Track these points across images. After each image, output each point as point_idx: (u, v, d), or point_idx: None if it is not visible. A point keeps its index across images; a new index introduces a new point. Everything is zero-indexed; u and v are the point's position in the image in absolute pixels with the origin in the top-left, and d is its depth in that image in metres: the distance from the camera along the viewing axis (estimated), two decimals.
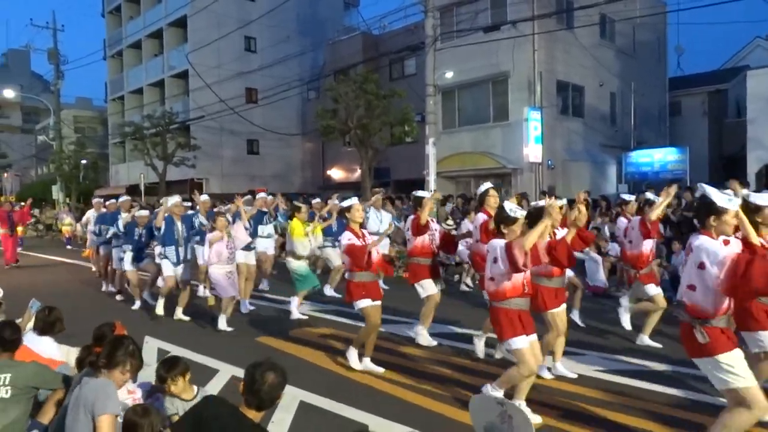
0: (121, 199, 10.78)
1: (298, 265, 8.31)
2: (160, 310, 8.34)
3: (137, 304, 9.22)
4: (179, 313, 8.29)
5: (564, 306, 5.40)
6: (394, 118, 20.01)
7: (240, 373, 3.01)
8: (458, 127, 21.60)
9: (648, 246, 6.60)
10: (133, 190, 31.15)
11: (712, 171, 22.71)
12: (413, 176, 20.95)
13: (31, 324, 4.84)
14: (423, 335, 6.68)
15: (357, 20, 31.76)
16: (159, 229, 8.35)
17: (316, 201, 12.36)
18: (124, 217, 9.54)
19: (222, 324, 7.55)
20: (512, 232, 4.40)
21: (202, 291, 10.15)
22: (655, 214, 6.33)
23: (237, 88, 29.63)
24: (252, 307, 8.93)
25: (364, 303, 5.67)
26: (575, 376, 5.47)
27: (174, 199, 8.52)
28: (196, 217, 8.73)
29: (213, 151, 29.89)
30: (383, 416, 4.64)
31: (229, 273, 7.67)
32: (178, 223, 8.37)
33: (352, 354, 5.88)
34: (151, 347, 6.77)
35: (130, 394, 3.61)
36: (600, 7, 18.58)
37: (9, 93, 39.02)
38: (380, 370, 5.73)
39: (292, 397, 4.98)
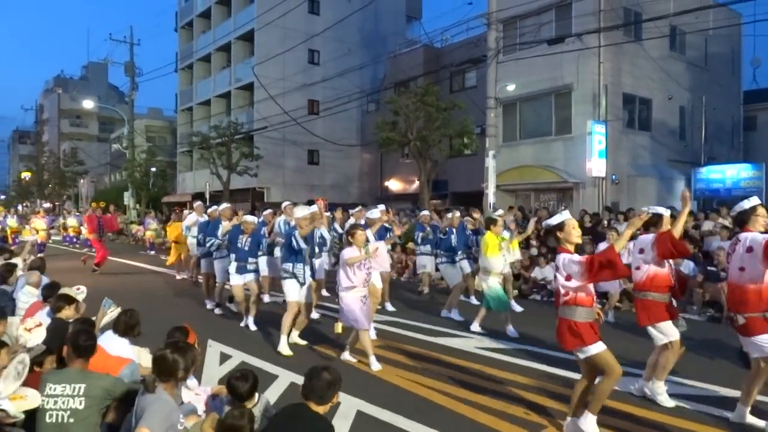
0: (222, 207, 9.88)
1: (492, 284, 7.76)
2: (285, 350, 6.96)
3: (248, 322, 8.44)
4: (295, 337, 7.37)
5: None
6: (454, 130, 20.02)
7: (298, 379, 3.12)
8: (519, 140, 21.35)
9: None
10: (198, 198, 32.35)
11: None
12: (472, 189, 20.83)
13: (105, 320, 5.15)
14: (662, 394, 5.20)
15: (419, 33, 32.08)
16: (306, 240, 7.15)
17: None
18: (224, 226, 8.88)
19: (375, 364, 6.29)
20: None
21: (267, 298, 10.22)
22: None
23: (300, 99, 30.36)
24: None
25: (598, 347, 4.25)
26: None
27: (303, 211, 7.37)
28: (318, 228, 7.65)
29: (275, 160, 30.67)
30: (439, 430, 4.64)
31: (363, 297, 6.41)
32: (306, 238, 7.29)
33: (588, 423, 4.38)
34: (214, 351, 7.00)
35: (198, 396, 3.76)
36: (670, 19, 18.04)
37: (88, 104, 41.35)
38: None
39: (349, 405, 5.06)
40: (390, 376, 6.08)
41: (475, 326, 8.04)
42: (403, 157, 26.11)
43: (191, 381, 4.27)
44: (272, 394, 5.29)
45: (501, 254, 7.85)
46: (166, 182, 39.74)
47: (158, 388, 3.14)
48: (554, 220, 4.55)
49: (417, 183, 22.55)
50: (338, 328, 6.73)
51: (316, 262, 8.66)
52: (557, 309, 4.38)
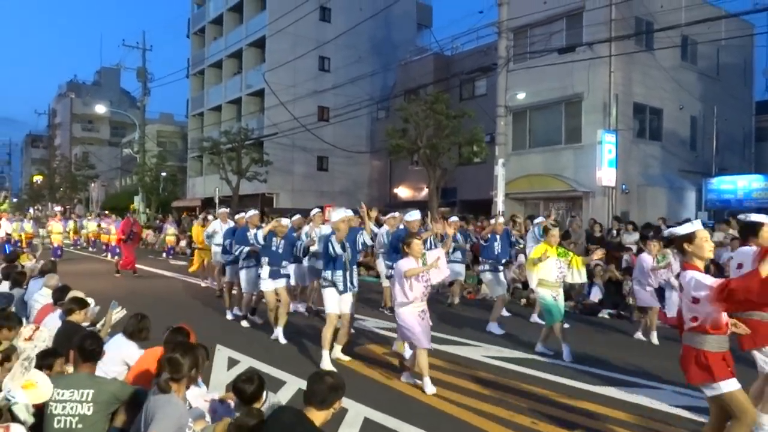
0: (249, 214, 9.31)
1: (543, 294, 7.31)
2: (327, 364, 6.50)
3: (278, 334, 7.92)
4: (338, 352, 6.92)
5: None
6: (464, 138, 20.01)
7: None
8: (528, 148, 21.31)
9: None
10: (208, 203, 32.50)
11: None
12: (481, 197, 20.79)
13: (114, 318, 5.22)
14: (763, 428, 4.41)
15: (429, 41, 32.16)
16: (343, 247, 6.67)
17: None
18: (263, 231, 8.20)
19: (429, 386, 5.72)
20: None
21: (292, 307, 9.54)
22: None
23: (310, 106, 30.47)
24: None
25: (730, 385, 3.55)
26: None
27: (341, 214, 6.88)
28: (361, 235, 7.02)
29: (285, 166, 30.78)
30: None
31: (421, 313, 5.84)
32: (344, 242, 6.79)
33: None
34: (222, 356, 7.01)
35: (206, 402, 3.77)
36: (681, 29, 18.01)
37: (100, 108, 41.68)
38: None
39: (356, 413, 5.05)
40: (397, 383, 6.07)
41: (539, 347, 7.42)
42: (413, 165, 26.13)
43: (201, 387, 4.28)
44: (279, 400, 5.29)
45: (556, 264, 7.25)
46: (176, 187, 39.95)
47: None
48: (682, 230, 3.83)
49: (426, 190, 22.55)
50: (399, 346, 6.11)
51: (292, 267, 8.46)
52: (681, 335, 3.79)
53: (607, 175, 18.02)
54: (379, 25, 31.84)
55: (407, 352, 6.05)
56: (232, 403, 3.88)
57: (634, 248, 11.79)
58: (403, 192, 29.52)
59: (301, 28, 29.10)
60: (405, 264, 5.75)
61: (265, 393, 3.79)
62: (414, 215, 8.03)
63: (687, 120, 21.28)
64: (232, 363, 6.74)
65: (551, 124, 20.64)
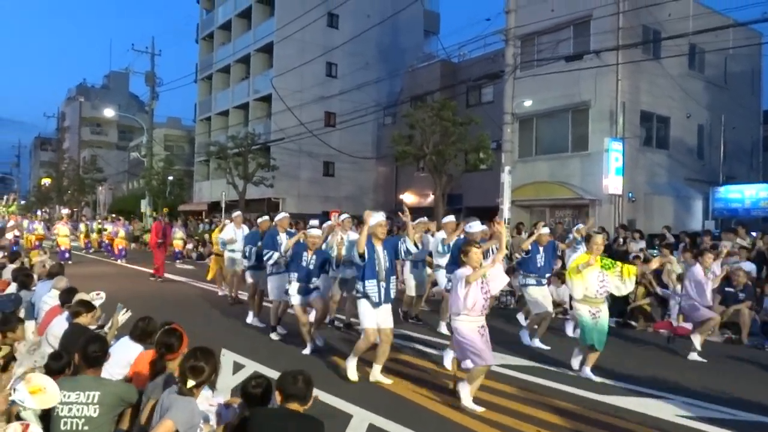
0: (278, 217, 8.78)
1: (580, 310, 6.62)
2: (353, 374, 6.25)
3: (308, 349, 7.50)
4: (377, 374, 6.24)
5: None
6: (470, 145, 20.05)
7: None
8: (535, 155, 21.31)
9: None
10: (214, 207, 32.60)
11: None
12: (486, 204, 20.78)
13: (120, 320, 5.32)
14: None
15: (436, 48, 32.22)
16: (362, 256, 6.15)
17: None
18: (288, 243, 7.70)
19: (468, 401, 5.44)
20: None
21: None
22: None
23: (316, 111, 30.60)
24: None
25: None
26: None
27: (378, 218, 6.40)
28: (404, 242, 6.41)
29: (291, 171, 30.87)
30: None
31: (481, 328, 5.42)
32: (380, 249, 6.32)
33: None
34: (227, 360, 7.00)
35: (212, 406, 3.78)
36: (689, 38, 17.99)
37: (109, 112, 41.94)
38: None
39: (361, 419, 5.05)
40: (403, 389, 6.05)
41: (586, 372, 6.61)
42: (419, 171, 26.16)
43: (206, 390, 4.29)
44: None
45: (594, 276, 6.48)
46: (183, 191, 40.11)
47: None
48: None
49: (432, 197, 22.55)
50: (451, 364, 5.51)
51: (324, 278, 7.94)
52: None
53: (613, 183, 17.99)
54: (387, 31, 31.91)
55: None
56: (236, 407, 3.89)
57: (642, 256, 11.73)
58: (408, 198, 29.49)
59: (309, 35, 29.23)
60: (465, 272, 5.37)
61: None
62: (476, 227, 7.41)
63: (694, 128, 21.24)
64: (237, 367, 6.74)
65: (558, 132, 20.64)
